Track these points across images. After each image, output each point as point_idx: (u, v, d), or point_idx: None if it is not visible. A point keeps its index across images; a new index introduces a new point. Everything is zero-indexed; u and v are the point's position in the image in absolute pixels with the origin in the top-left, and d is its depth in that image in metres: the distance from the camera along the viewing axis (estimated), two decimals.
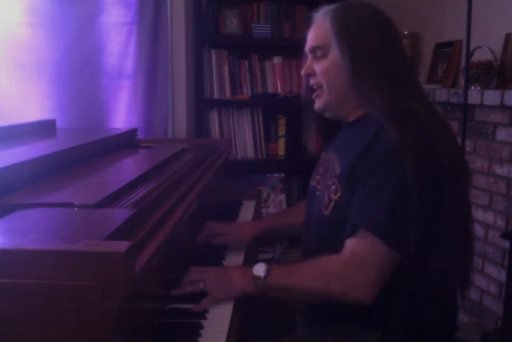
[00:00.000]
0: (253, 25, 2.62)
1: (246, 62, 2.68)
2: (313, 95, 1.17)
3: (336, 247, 1.05)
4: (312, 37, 1.15)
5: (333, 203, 1.08)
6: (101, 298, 0.66)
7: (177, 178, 1.21)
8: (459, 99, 2.19)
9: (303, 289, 1.03)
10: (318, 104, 1.17)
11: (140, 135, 2.06)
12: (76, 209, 0.88)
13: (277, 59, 2.72)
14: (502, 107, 2.01)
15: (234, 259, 1.31)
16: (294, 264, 1.09)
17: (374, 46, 1.07)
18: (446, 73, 2.55)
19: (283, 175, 2.82)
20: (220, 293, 1.07)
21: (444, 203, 0.99)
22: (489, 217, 2.18)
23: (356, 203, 1.02)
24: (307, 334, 1.18)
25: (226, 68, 2.60)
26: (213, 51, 2.57)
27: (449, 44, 2.58)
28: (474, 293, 2.26)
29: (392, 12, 1.15)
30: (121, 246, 0.68)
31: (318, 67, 1.14)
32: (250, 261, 1.34)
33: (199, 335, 0.94)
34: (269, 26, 2.64)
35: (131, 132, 1.88)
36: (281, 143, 2.77)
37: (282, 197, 2.79)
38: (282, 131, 2.77)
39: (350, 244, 1.01)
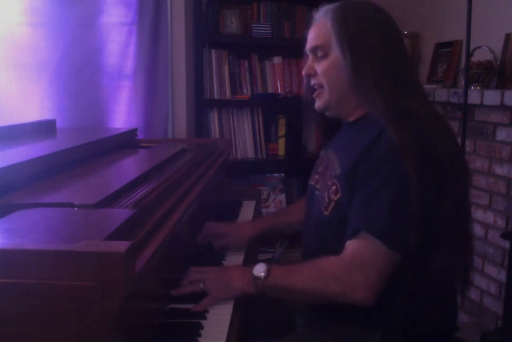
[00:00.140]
0: (253, 25, 2.62)
1: (246, 62, 2.68)
2: (314, 95, 1.17)
3: (335, 247, 1.05)
4: (312, 37, 1.15)
5: (333, 204, 1.08)
6: (101, 298, 0.66)
7: (177, 178, 1.21)
8: (459, 99, 2.19)
9: (303, 289, 1.03)
10: (318, 104, 1.17)
11: (140, 135, 2.06)
12: (76, 209, 0.88)
13: (277, 59, 2.72)
14: (502, 107, 2.01)
15: (234, 259, 1.31)
16: (294, 265, 1.09)
17: (375, 45, 1.07)
18: (446, 73, 2.55)
19: (283, 175, 2.82)
20: (220, 293, 1.07)
21: (444, 203, 0.99)
22: (489, 217, 2.18)
23: (356, 204, 1.02)
24: (307, 334, 1.18)
25: (226, 68, 2.60)
26: (213, 51, 2.57)
27: (449, 44, 2.58)
28: (474, 293, 2.26)
29: (392, 12, 1.14)
30: (121, 246, 0.68)
31: (319, 67, 1.13)
32: (250, 261, 1.34)
33: (199, 335, 0.94)
34: (269, 26, 2.64)
35: (131, 132, 1.88)
36: (281, 143, 2.78)
37: (282, 197, 2.79)
38: (282, 131, 2.77)
39: (351, 245, 1.01)
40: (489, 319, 2.16)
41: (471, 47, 1.99)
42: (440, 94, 2.35)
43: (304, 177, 2.03)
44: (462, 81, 2.27)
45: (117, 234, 0.76)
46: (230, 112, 2.64)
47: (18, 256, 0.67)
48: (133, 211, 0.87)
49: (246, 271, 1.07)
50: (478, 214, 2.23)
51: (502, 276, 2.07)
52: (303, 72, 1.18)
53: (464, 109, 1.99)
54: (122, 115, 2.21)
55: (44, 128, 1.72)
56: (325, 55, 1.12)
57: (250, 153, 2.68)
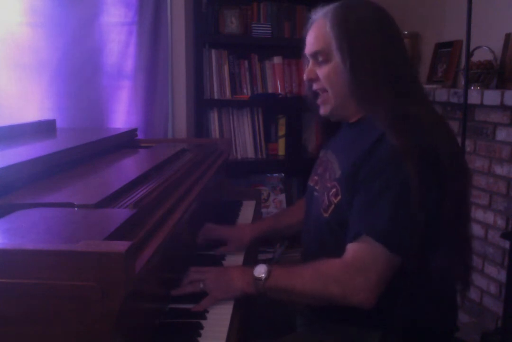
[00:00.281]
0: (253, 25, 2.62)
1: (246, 62, 2.68)
2: (319, 101, 1.16)
3: (334, 247, 1.05)
4: (312, 41, 1.13)
5: (333, 206, 1.08)
6: (101, 298, 0.66)
7: (177, 178, 1.21)
8: (459, 99, 2.19)
9: (303, 291, 1.03)
10: (324, 110, 1.16)
11: (140, 135, 2.06)
12: (76, 209, 0.88)
13: (277, 59, 2.72)
14: (502, 107, 2.01)
15: (234, 259, 1.31)
16: (295, 266, 1.08)
17: (375, 45, 1.06)
18: (446, 73, 2.55)
19: (283, 175, 2.82)
20: (220, 293, 1.07)
21: (444, 204, 0.99)
22: (489, 217, 2.18)
23: (357, 207, 1.02)
24: (307, 334, 1.18)
25: (226, 68, 2.60)
26: (213, 51, 2.57)
27: (449, 44, 2.58)
28: (474, 293, 2.26)
29: (392, 12, 1.14)
30: (121, 246, 0.68)
31: (321, 72, 1.12)
32: (250, 261, 1.34)
33: (199, 335, 0.94)
34: (269, 26, 2.64)
35: (131, 132, 1.88)
36: (281, 143, 2.77)
37: (282, 197, 2.79)
38: (282, 131, 2.77)
39: (352, 248, 1.01)
40: (489, 319, 2.16)
41: (471, 47, 1.99)
42: (440, 94, 2.35)
43: (304, 177, 2.03)
44: (462, 81, 2.27)
45: (117, 234, 0.76)
46: (230, 112, 2.64)
47: (18, 256, 0.67)
48: (133, 211, 0.87)
49: (247, 271, 1.07)
50: (478, 214, 2.23)
51: (502, 276, 2.07)
52: (304, 77, 1.17)
53: (464, 109, 1.99)
54: (122, 115, 2.21)
55: (44, 128, 1.72)
56: (326, 60, 1.10)
57: (250, 153, 2.68)
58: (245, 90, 2.68)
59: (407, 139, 0.97)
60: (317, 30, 1.12)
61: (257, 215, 1.80)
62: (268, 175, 2.79)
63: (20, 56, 1.89)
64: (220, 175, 1.76)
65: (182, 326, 0.98)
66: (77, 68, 2.03)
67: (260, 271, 1.05)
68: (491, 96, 2.01)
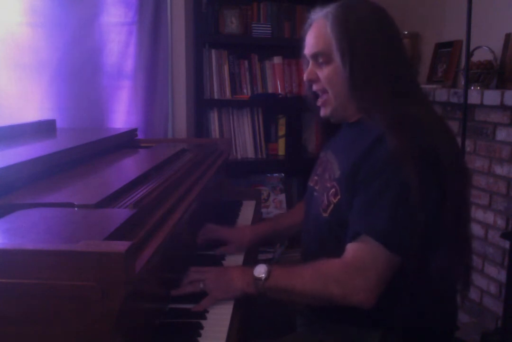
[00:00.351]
0: (253, 25, 2.62)
1: (246, 62, 2.68)
2: (319, 103, 1.16)
3: (334, 247, 1.05)
4: (312, 42, 1.12)
5: (332, 206, 1.08)
6: (101, 298, 0.66)
7: (177, 178, 1.21)
8: (459, 99, 2.19)
9: (303, 291, 1.03)
10: (325, 112, 1.15)
11: (140, 135, 2.06)
12: (76, 209, 0.88)
13: (277, 59, 2.72)
14: (502, 107, 2.01)
15: (234, 259, 1.31)
16: (295, 266, 1.09)
17: (375, 45, 1.06)
18: (446, 73, 2.55)
19: (283, 175, 2.82)
20: (220, 293, 1.07)
21: (444, 204, 0.99)
22: (489, 217, 2.18)
23: (357, 207, 1.02)
24: (307, 334, 1.18)
25: (226, 68, 2.60)
26: (213, 51, 2.57)
27: (449, 44, 2.58)
28: (474, 293, 2.26)
29: (392, 12, 1.13)
30: (121, 246, 0.68)
31: (322, 73, 1.11)
32: (250, 261, 1.34)
33: (199, 335, 0.94)
34: (269, 26, 2.64)
35: (131, 132, 1.88)
36: (281, 143, 2.77)
37: (282, 197, 2.79)
38: (282, 131, 2.77)
39: (351, 248, 1.01)
40: (489, 319, 2.16)
41: (471, 47, 1.99)
42: (440, 94, 2.35)
43: (304, 177, 2.03)
44: (462, 81, 2.27)
45: (117, 234, 0.76)
46: (230, 112, 2.64)
47: (18, 256, 0.67)
48: (133, 211, 0.87)
49: (247, 271, 1.07)
50: (478, 214, 2.23)
51: (502, 276, 2.07)
52: (304, 78, 1.16)
53: (464, 109, 1.99)
54: (122, 115, 2.21)
55: (44, 128, 1.72)
56: (327, 62, 1.10)
57: (250, 153, 2.68)
58: (245, 90, 2.68)
59: (407, 140, 0.97)
60: (317, 31, 1.11)
61: (257, 215, 1.80)
62: (268, 175, 2.79)
63: (20, 56, 1.89)
64: (220, 175, 1.76)
65: (182, 326, 0.98)
66: (77, 68, 2.03)
67: (260, 271, 1.05)
68: (491, 96, 2.01)
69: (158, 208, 1.00)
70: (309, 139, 2.86)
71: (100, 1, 2.08)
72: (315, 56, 1.12)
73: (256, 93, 2.68)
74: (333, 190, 1.08)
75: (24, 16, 1.89)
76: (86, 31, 2.05)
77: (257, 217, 1.77)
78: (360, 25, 1.07)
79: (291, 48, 2.64)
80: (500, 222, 2.12)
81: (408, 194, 0.95)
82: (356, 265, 0.99)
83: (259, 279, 1.04)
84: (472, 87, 2.17)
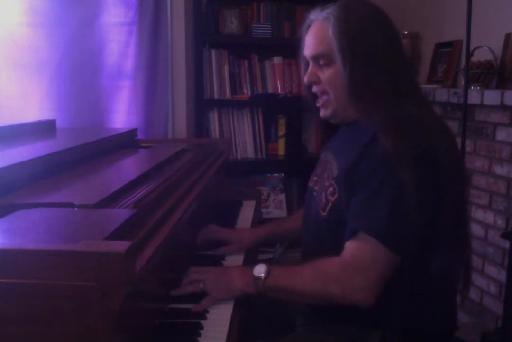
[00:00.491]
0: (253, 25, 2.62)
1: (246, 62, 2.68)
2: (319, 104, 1.15)
3: (333, 246, 1.05)
4: (313, 44, 1.11)
5: (330, 205, 1.08)
6: (101, 298, 0.66)
7: (177, 178, 1.21)
8: (459, 99, 2.19)
9: (303, 291, 1.03)
10: (325, 113, 1.15)
11: (140, 135, 2.06)
12: (76, 209, 0.88)
13: (277, 59, 2.72)
14: (502, 107, 2.01)
15: (234, 259, 1.31)
16: (294, 266, 1.09)
17: (376, 45, 1.06)
18: (446, 73, 2.55)
19: (283, 175, 2.82)
20: (220, 293, 1.07)
21: (444, 204, 0.99)
22: (489, 217, 2.18)
23: (355, 206, 1.02)
24: (307, 334, 1.18)
25: (226, 68, 2.60)
26: (213, 51, 2.57)
27: (449, 44, 2.58)
28: (474, 293, 2.26)
29: (392, 12, 1.14)
30: (121, 246, 0.68)
31: (323, 75, 1.11)
32: (250, 261, 1.34)
33: (199, 335, 0.94)
34: (269, 26, 2.64)
35: (131, 132, 1.88)
36: (281, 143, 2.77)
37: (282, 197, 2.79)
38: (282, 131, 2.77)
39: (350, 246, 1.01)
40: (489, 319, 2.16)
41: (471, 47, 1.99)
42: (440, 94, 2.35)
43: (304, 177, 2.04)
44: (462, 81, 2.27)
45: (117, 234, 0.76)
46: (230, 112, 2.64)
47: (18, 256, 0.67)
48: (133, 211, 0.87)
49: (246, 271, 1.07)
50: (478, 214, 2.23)
51: (502, 276, 2.07)
52: (305, 80, 1.15)
53: (464, 109, 1.99)
54: (122, 115, 2.21)
55: (44, 128, 1.72)
56: (328, 64, 1.09)
57: (250, 153, 2.68)
58: (245, 90, 2.68)
59: (404, 139, 0.98)
60: (318, 33, 1.11)
61: (257, 215, 1.80)
62: (268, 175, 2.79)
63: (20, 56, 1.89)
64: (220, 175, 1.76)
65: (182, 326, 0.98)
66: (77, 68, 2.03)
67: (260, 270, 1.05)
68: (491, 96, 2.01)
69: (158, 208, 1.00)
70: (309, 139, 2.86)
71: (100, 1, 2.08)
72: (316, 58, 1.12)
73: (256, 93, 2.68)
74: (331, 188, 1.08)
75: (24, 16, 1.89)
76: (86, 31, 2.05)
77: (257, 217, 1.77)
78: (360, 26, 1.07)
79: (291, 48, 2.61)
80: (500, 222, 2.12)
81: (404, 193, 0.95)
82: (356, 264, 0.99)
83: (259, 278, 1.04)
84: (472, 87, 2.17)
